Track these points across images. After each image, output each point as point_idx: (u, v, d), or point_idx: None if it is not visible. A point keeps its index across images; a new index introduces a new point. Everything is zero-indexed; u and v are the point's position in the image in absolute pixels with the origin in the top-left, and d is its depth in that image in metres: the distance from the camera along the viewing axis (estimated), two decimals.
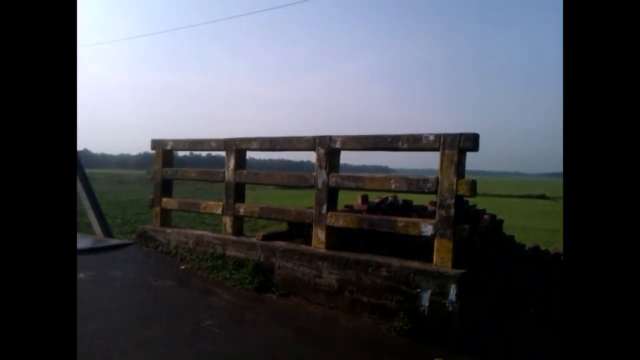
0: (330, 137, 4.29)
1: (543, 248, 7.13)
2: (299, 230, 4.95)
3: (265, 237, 4.78)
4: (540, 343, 4.65)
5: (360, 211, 5.11)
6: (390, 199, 5.78)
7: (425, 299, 3.47)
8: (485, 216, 6.66)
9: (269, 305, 4.00)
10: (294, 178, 4.80)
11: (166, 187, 5.99)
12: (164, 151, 5.88)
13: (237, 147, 5.05)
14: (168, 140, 5.82)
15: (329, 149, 4.29)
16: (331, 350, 3.09)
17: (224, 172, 5.17)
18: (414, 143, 3.80)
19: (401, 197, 5.72)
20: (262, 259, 4.58)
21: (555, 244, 10.70)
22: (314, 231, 4.37)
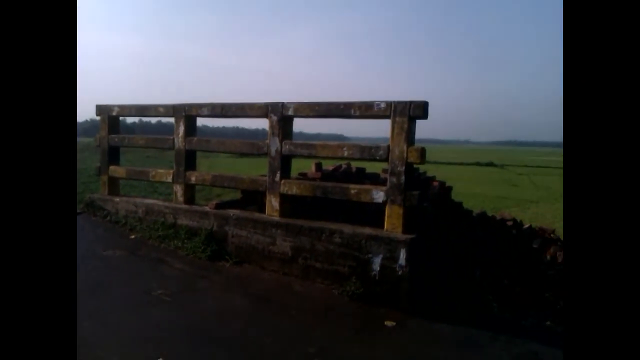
0: (283, 103, 4.22)
1: (490, 214, 7.46)
2: (253, 198, 4.92)
3: (218, 206, 4.72)
4: (485, 305, 4.91)
5: (314, 179, 5.12)
6: (343, 166, 5.82)
7: (377, 263, 3.56)
8: (435, 183, 6.85)
9: (222, 273, 3.99)
10: (246, 146, 4.72)
11: (113, 155, 5.75)
12: (110, 117, 5.61)
13: (187, 114, 4.89)
14: (114, 106, 5.55)
15: (281, 116, 4.23)
16: (285, 315, 3.13)
17: (174, 139, 5.01)
18: (366, 110, 3.80)
19: (355, 164, 5.78)
20: (215, 228, 4.53)
21: (501, 210, 11.21)
22: (267, 199, 4.35)
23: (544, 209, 18.83)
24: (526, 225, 7.00)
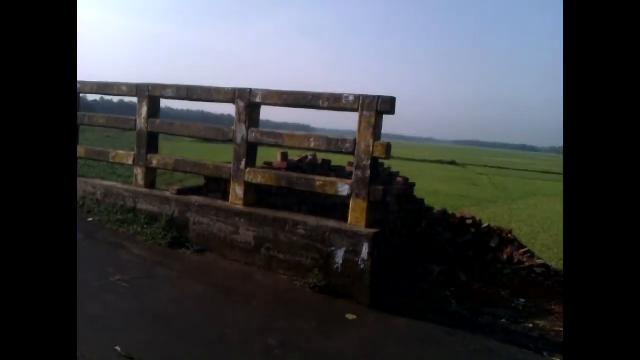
0: (251, 90, 4.14)
1: (450, 212, 7.63)
2: (217, 185, 4.82)
3: (180, 192, 4.60)
4: (444, 301, 5.02)
5: (279, 168, 5.07)
6: (310, 157, 5.80)
7: (340, 256, 3.55)
8: (399, 179, 6.94)
9: (182, 261, 3.89)
10: (211, 131, 4.61)
11: None
12: None
13: (151, 94, 4.71)
14: None
15: (249, 102, 4.14)
16: (246, 305, 3.08)
17: (136, 120, 4.83)
18: (334, 102, 3.78)
19: (321, 156, 5.76)
20: (176, 214, 4.41)
21: (461, 208, 11.49)
22: (231, 187, 4.26)
23: (502, 209, 19.45)
24: (485, 225, 7.20)
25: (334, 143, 3.86)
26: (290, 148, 4.43)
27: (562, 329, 4.66)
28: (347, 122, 3.82)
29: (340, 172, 5.91)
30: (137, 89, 4.77)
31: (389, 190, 6.46)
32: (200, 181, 5.13)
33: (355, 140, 3.70)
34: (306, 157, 5.80)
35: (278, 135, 4.13)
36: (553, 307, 5.40)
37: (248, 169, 4.21)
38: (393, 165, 7.98)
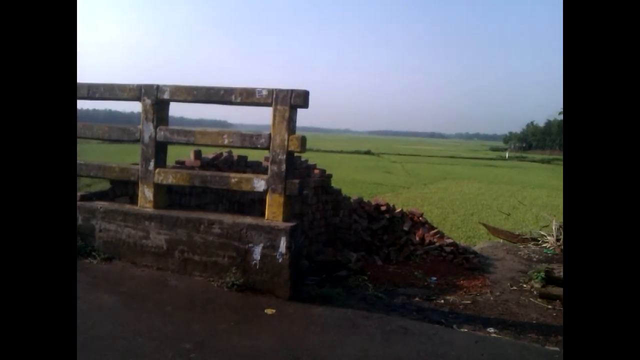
0: (158, 86, 3.96)
1: (366, 200, 7.90)
2: (124, 188, 4.57)
3: (84, 197, 4.29)
4: (361, 285, 5.21)
5: (192, 167, 4.92)
6: (225, 154, 5.70)
7: (257, 253, 3.54)
8: (316, 171, 7.05)
9: (89, 271, 3.64)
10: (116, 131, 4.34)
11: None
12: None
13: None
14: None
15: (156, 99, 3.96)
16: (160, 312, 2.96)
17: None
18: (248, 97, 3.73)
19: (238, 152, 5.68)
20: (80, 222, 4.11)
21: (377, 195, 11.95)
22: (140, 189, 4.06)
23: (414, 194, 20.50)
24: (398, 210, 7.56)
25: (249, 139, 3.82)
26: (204, 146, 4.31)
27: (469, 302, 5.04)
28: (264, 117, 3.79)
29: (257, 168, 5.88)
30: None
31: (306, 183, 6.54)
32: (107, 185, 4.82)
33: (269, 135, 3.68)
34: (221, 154, 5.69)
35: (189, 133, 4.00)
36: (462, 282, 5.82)
37: (157, 170, 4.03)
38: (312, 157, 8.09)
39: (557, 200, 21.54)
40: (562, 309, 5.16)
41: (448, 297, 5.11)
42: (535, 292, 5.63)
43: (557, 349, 3.52)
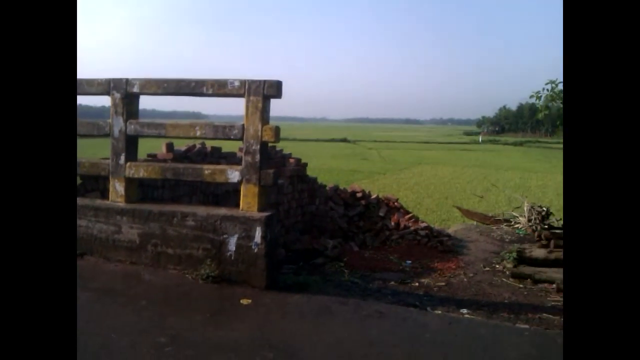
0: (127, 80, 3.88)
1: (342, 187, 7.94)
2: (95, 183, 4.48)
3: None
4: (337, 272, 5.26)
5: (164, 160, 4.86)
6: (198, 146, 5.64)
7: (232, 244, 3.53)
8: (292, 160, 7.05)
9: None
10: (85, 126, 4.24)
11: None
12: None
13: None
14: None
15: (125, 93, 3.88)
16: (134, 306, 2.94)
17: None
18: (219, 89, 3.69)
19: (211, 144, 5.63)
20: None
21: (353, 182, 12.03)
22: (111, 184, 3.99)
23: (390, 180, 20.69)
24: (374, 196, 7.63)
25: (222, 130, 3.79)
26: (176, 138, 4.25)
27: (444, 284, 5.15)
28: (239, 108, 3.76)
29: (231, 159, 5.84)
30: None
31: (281, 173, 6.53)
32: (77, 181, 4.73)
33: (243, 125, 3.66)
34: (194, 146, 5.63)
35: (160, 126, 3.94)
36: (436, 264, 5.94)
37: (128, 164, 3.96)
38: (288, 147, 8.08)
39: (529, 182, 22.10)
40: (532, 287, 5.33)
41: (423, 280, 5.22)
42: (507, 272, 5.79)
43: (526, 326, 3.65)
